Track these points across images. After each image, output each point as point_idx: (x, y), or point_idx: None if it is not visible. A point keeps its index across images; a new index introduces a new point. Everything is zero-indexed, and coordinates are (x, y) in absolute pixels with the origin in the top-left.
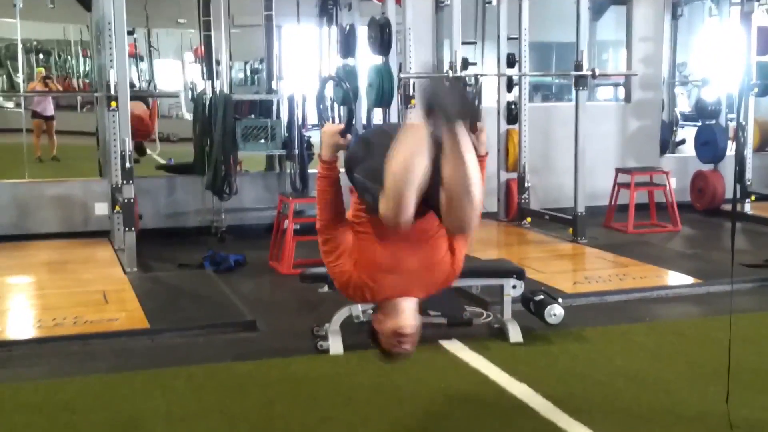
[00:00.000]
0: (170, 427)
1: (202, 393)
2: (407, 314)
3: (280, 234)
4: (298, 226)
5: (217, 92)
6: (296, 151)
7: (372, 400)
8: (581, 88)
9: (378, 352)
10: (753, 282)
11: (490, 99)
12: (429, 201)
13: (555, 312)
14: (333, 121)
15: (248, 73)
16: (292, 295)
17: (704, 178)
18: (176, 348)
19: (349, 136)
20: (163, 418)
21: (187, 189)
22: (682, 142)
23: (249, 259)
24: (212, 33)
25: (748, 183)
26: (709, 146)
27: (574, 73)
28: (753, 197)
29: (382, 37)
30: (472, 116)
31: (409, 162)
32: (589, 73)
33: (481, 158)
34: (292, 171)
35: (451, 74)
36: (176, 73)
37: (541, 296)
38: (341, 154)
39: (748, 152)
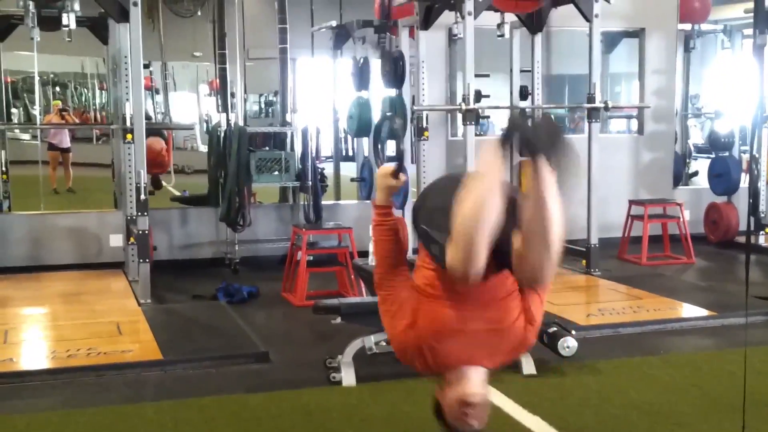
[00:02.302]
0: None
1: (214, 424)
2: (474, 382)
3: (293, 265)
4: (311, 258)
5: (232, 124)
6: (309, 183)
7: (387, 429)
8: (594, 120)
9: (442, 428)
10: (767, 315)
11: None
12: (502, 255)
13: (568, 344)
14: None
15: (262, 105)
16: (305, 327)
17: (718, 210)
18: (188, 379)
19: (402, 176)
20: None
21: (201, 220)
22: (695, 173)
23: (262, 290)
24: (227, 66)
25: (762, 215)
26: (722, 178)
27: (587, 105)
28: (767, 229)
29: (396, 69)
30: (560, 152)
31: (480, 204)
32: (602, 105)
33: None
34: (306, 203)
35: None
36: (191, 106)
37: (555, 328)
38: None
39: (762, 184)
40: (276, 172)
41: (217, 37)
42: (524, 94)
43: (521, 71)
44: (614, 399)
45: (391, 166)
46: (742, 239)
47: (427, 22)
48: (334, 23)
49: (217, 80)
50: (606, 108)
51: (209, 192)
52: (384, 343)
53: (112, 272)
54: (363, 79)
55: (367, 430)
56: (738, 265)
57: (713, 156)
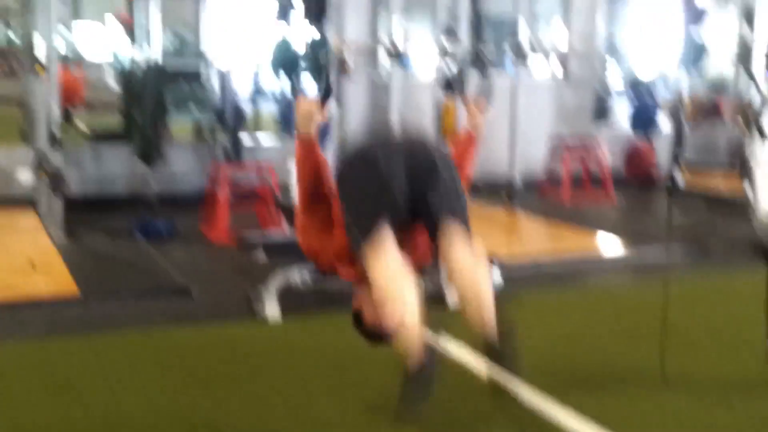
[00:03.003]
0: (108, 389)
1: (138, 357)
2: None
3: (213, 201)
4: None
5: (149, 60)
6: (229, 120)
7: (312, 361)
8: (522, 63)
9: (364, 338)
10: (685, 248)
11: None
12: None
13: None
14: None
15: (175, 40)
16: (226, 263)
17: (637, 150)
18: (108, 315)
19: (326, 111)
20: (100, 382)
21: (115, 157)
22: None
23: (181, 226)
24: None
25: (682, 155)
26: (642, 120)
27: (516, 47)
28: (685, 168)
29: (316, 4)
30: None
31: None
32: (530, 47)
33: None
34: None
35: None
36: (97, 38)
37: None
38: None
39: (683, 126)
40: (193, 107)
41: None
42: (451, 34)
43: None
44: (536, 330)
45: (314, 98)
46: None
47: None
48: None
49: (127, 12)
50: (534, 50)
51: (124, 128)
52: (306, 278)
53: (21, 208)
54: (285, 15)
55: (294, 361)
56: (653, 203)
57: (632, 97)
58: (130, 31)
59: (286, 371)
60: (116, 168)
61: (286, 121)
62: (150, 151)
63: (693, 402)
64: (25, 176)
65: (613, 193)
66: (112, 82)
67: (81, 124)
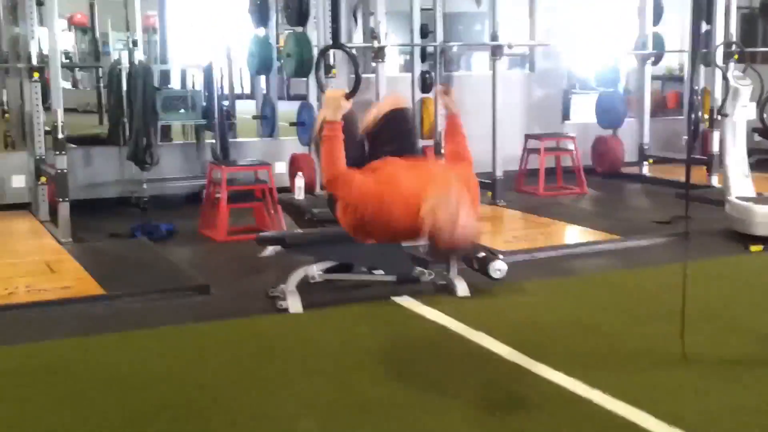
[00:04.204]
0: (159, 380)
1: (170, 353)
2: None
3: (211, 202)
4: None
5: (136, 62)
6: (216, 121)
7: (339, 352)
8: (497, 57)
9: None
10: (664, 237)
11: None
12: None
13: (499, 267)
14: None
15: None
16: (234, 261)
17: (605, 142)
18: (135, 312)
19: (351, 100)
20: (146, 374)
21: (104, 160)
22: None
23: (177, 228)
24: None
25: (646, 147)
26: (608, 113)
27: (491, 43)
28: (650, 160)
29: (300, 7)
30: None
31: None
32: (506, 43)
33: (454, 116)
34: (214, 141)
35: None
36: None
37: (484, 253)
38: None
39: (645, 118)
40: (182, 110)
41: None
42: (425, 32)
43: (422, 10)
44: (546, 315)
45: (341, 90)
46: (628, 170)
47: None
48: None
49: (84, 14)
50: (509, 46)
51: (110, 131)
52: (323, 272)
53: (18, 213)
54: (262, 16)
55: (319, 351)
56: (626, 194)
57: (596, 91)
58: (90, 33)
59: (315, 359)
60: (106, 171)
61: (267, 121)
62: (142, 153)
63: (711, 379)
64: (18, 181)
65: (585, 185)
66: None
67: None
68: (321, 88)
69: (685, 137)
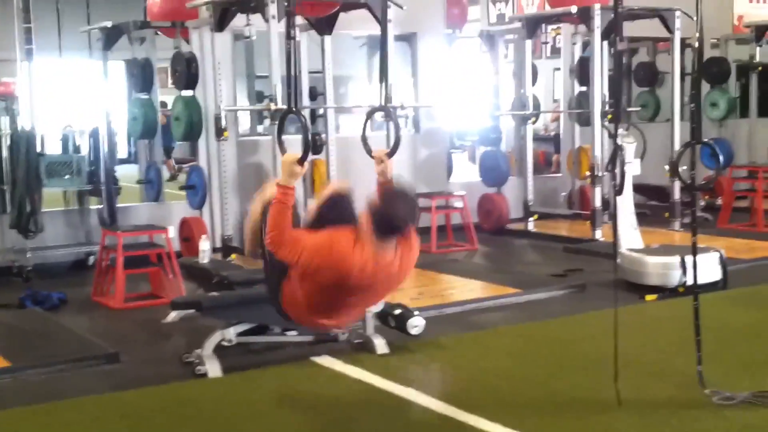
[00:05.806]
0: None
1: (84, 426)
2: None
3: (105, 269)
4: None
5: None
6: (103, 186)
7: (267, 414)
8: (390, 119)
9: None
10: (562, 289)
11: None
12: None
13: (417, 323)
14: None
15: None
16: (136, 328)
17: (491, 200)
18: (43, 384)
19: (305, 165)
20: None
21: None
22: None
23: (69, 296)
24: None
25: (530, 203)
26: (493, 171)
27: (384, 106)
28: (536, 216)
29: (189, 71)
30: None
31: None
32: (400, 105)
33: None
34: (101, 206)
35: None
36: None
37: (400, 310)
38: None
39: (529, 175)
40: (67, 176)
41: None
42: (314, 94)
43: (309, 72)
44: (471, 368)
45: (296, 154)
46: (513, 226)
47: (221, 24)
48: (109, 23)
49: None
50: (402, 107)
51: None
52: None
53: None
54: (145, 81)
55: (246, 415)
56: (515, 249)
57: (476, 149)
58: None
59: (246, 421)
60: None
61: (152, 185)
62: (25, 221)
63: (642, 423)
64: None
65: (476, 241)
66: None
67: None
68: (282, 151)
69: (564, 194)
